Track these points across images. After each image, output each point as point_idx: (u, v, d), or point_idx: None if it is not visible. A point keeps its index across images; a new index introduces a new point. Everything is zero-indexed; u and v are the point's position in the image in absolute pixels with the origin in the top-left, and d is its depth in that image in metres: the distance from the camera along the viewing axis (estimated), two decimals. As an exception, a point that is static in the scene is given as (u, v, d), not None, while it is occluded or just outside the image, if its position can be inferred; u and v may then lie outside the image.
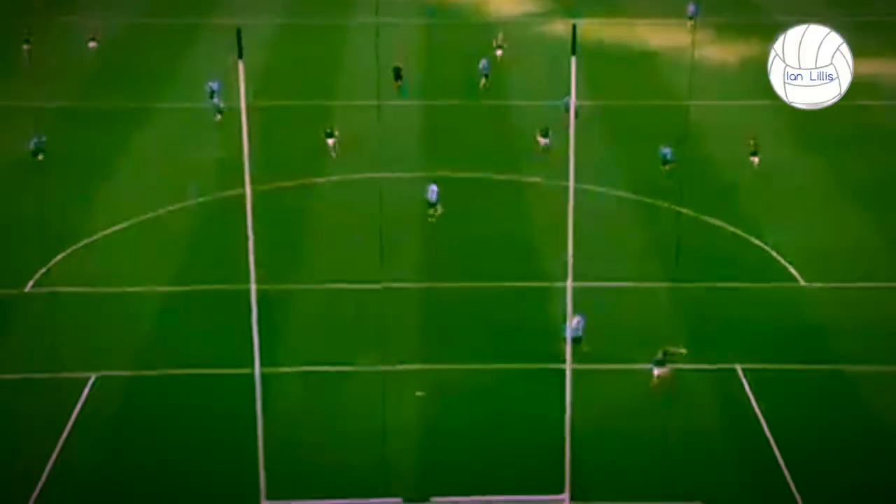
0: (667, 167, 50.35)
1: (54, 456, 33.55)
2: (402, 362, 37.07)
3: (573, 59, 25.67)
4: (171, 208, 49.41)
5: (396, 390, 35.54)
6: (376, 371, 36.23)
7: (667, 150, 50.99)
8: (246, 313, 26.86)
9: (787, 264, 44.65)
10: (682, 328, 39.45)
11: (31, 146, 52.33)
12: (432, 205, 47.35)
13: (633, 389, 36.89)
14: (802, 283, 43.80)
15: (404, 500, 28.12)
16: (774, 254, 45.32)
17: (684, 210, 46.35)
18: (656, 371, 35.99)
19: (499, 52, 66.29)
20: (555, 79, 55.27)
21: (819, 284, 43.63)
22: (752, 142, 51.64)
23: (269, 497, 27.23)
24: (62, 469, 32.61)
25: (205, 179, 51.52)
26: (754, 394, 36.63)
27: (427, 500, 28.52)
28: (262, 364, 26.81)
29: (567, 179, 27.06)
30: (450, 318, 41.42)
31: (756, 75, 50.04)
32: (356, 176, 51.19)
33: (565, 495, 27.54)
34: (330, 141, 53.30)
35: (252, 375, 26.75)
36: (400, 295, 41.54)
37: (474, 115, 59.80)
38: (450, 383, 37.39)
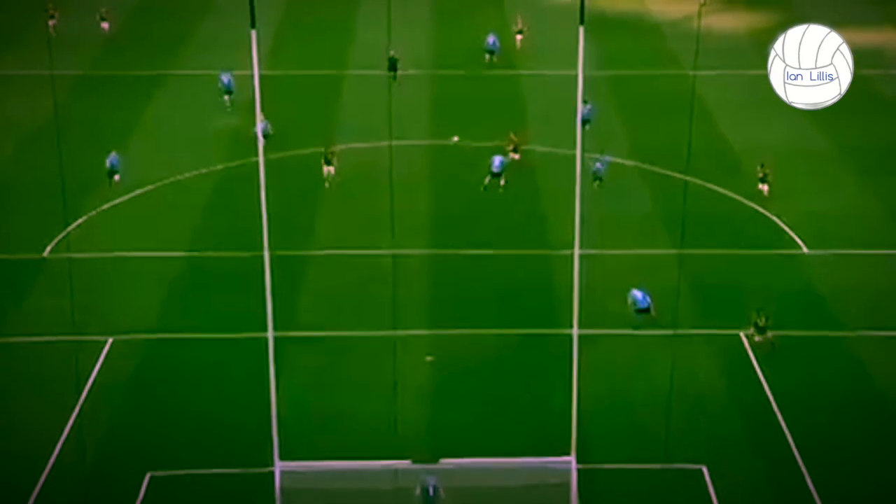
0: (596, 184, 46.37)
1: (72, 418, 33.61)
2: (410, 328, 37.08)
3: (581, 30, 25.46)
4: (185, 176, 49.33)
5: (406, 355, 35.52)
6: (387, 336, 36.19)
7: (599, 165, 46.93)
8: (259, 279, 26.79)
9: (790, 232, 44.47)
10: (686, 295, 39.27)
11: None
12: (496, 175, 46.67)
13: (637, 355, 36.82)
14: (806, 250, 43.62)
15: (414, 462, 28.10)
16: (778, 221, 45.13)
17: (690, 178, 46.18)
18: (758, 338, 35.81)
19: (518, 38, 63.70)
20: (563, 50, 54.95)
21: (822, 252, 43.46)
22: (759, 168, 46.82)
23: (282, 458, 27.23)
24: (80, 431, 32.66)
25: (219, 147, 51.41)
26: (757, 359, 36.53)
27: (436, 461, 28.51)
28: (276, 328, 26.75)
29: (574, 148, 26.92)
30: (459, 284, 41.33)
31: (764, 45, 50.07)
32: (367, 144, 50.98)
33: (572, 458, 27.51)
34: (326, 168, 47.67)
35: (265, 340, 26.70)
36: (409, 262, 41.47)
37: (483, 86, 59.52)
38: (459, 348, 37.34)
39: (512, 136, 48.49)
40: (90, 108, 55.91)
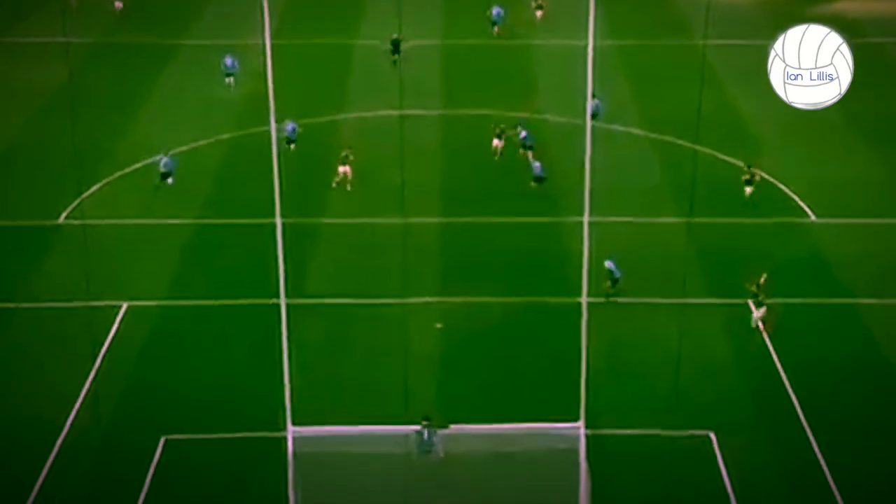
0: (533, 184, 45.20)
1: (88, 383, 33.73)
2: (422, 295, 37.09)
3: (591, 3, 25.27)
4: (198, 143, 49.30)
5: (417, 322, 35.53)
6: (396, 304, 36.20)
7: (537, 165, 45.55)
8: (272, 246, 26.75)
9: (798, 200, 44.34)
10: (694, 263, 39.23)
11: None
12: (527, 147, 46.22)
13: (646, 322, 36.80)
14: (813, 218, 43.48)
15: (423, 427, 28.16)
16: (786, 189, 44.98)
17: (699, 147, 46.02)
18: (756, 314, 35.53)
19: (539, 13, 63.60)
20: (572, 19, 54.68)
21: (830, 220, 43.32)
22: (746, 168, 44.51)
23: (294, 423, 27.30)
24: (95, 395, 32.79)
25: (232, 115, 51.34)
26: (767, 327, 36.46)
27: (446, 426, 28.55)
28: (287, 296, 26.74)
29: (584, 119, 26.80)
30: (469, 252, 41.30)
31: (773, 14, 49.95)
32: (377, 113, 50.88)
33: (580, 424, 27.51)
34: (342, 168, 44.94)
35: (277, 306, 26.71)
36: (420, 230, 41.43)
37: (492, 55, 59.30)
38: (468, 316, 37.34)
39: (501, 126, 47.37)
40: (104, 76, 55.84)
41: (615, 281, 37.40)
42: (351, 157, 44.93)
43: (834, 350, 35.77)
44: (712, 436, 31.59)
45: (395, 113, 46.89)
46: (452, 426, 28.29)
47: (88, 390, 33.34)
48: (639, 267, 39.63)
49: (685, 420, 31.61)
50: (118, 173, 46.58)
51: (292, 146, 46.67)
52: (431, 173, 45.89)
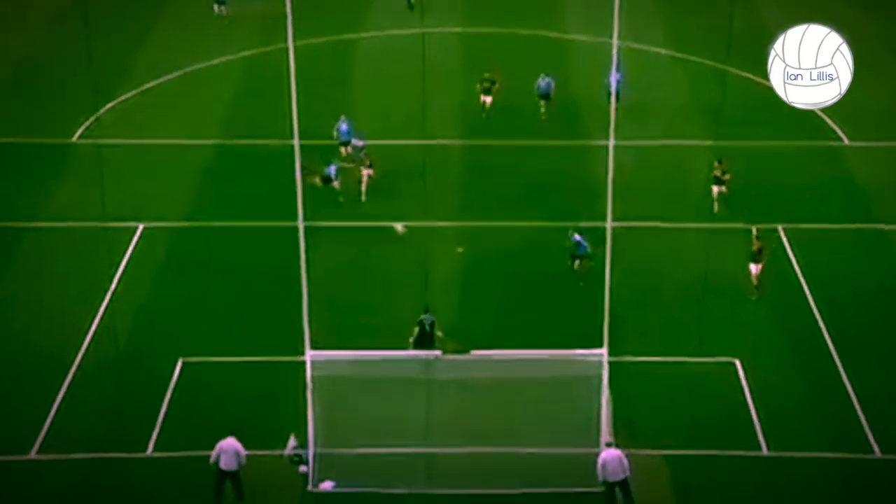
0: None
1: (104, 305, 33.94)
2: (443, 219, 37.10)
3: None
4: (215, 62, 49.10)
5: (438, 246, 35.54)
6: (418, 227, 36.17)
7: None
8: (290, 167, 26.73)
9: (831, 122, 43.97)
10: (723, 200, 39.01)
11: None
12: (544, 96, 45.52)
13: (671, 248, 36.71)
14: (846, 141, 43.16)
15: (444, 353, 28.30)
16: (818, 111, 44.61)
17: (728, 68, 45.57)
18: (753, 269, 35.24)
19: None
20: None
21: (862, 143, 42.99)
22: (717, 164, 38.30)
23: (314, 347, 27.48)
24: (112, 317, 33.03)
25: (249, 33, 51.07)
26: (795, 254, 36.39)
27: (467, 352, 28.71)
28: (307, 218, 26.78)
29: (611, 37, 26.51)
30: (491, 175, 41.19)
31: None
32: (398, 32, 50.52)
33: (603, 350, 27.61)
34: (366, 172, 39.62)
35: (296, 229, 26.76)
36: (441, 152, 41.30)
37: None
38: (490, 240, 37.34)
39: (486, 75, 45.18)
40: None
41: (580, 257, 34.52)
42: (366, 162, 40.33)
43: (863, 276, 35.63)
44: (738, 363, 31.64)
45: (416, 31, 46.52)
46: (473, 352, 28.44)
47: (104, 312, 33.56)
48: (664, 191, 39.51)
49: (710, 347, 31.66)
50: (133, 91, 46.49)
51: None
52: (452, 94, 45.53)
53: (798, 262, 36.00)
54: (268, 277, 35.04)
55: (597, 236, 31.94)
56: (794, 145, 42.72)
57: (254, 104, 45.52)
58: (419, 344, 30.26)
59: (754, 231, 34.66)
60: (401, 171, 39.75)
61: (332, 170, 38.79)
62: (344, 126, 41.34)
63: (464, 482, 27.33)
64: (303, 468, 27.55)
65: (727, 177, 38.01)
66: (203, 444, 27.50)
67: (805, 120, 43.66)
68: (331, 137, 41.17)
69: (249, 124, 44.15)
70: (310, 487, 27.31)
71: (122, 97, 45.95)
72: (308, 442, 27.67)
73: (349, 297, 34.43)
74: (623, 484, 26.56)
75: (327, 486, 27.37)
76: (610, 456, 26.41)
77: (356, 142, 40.72)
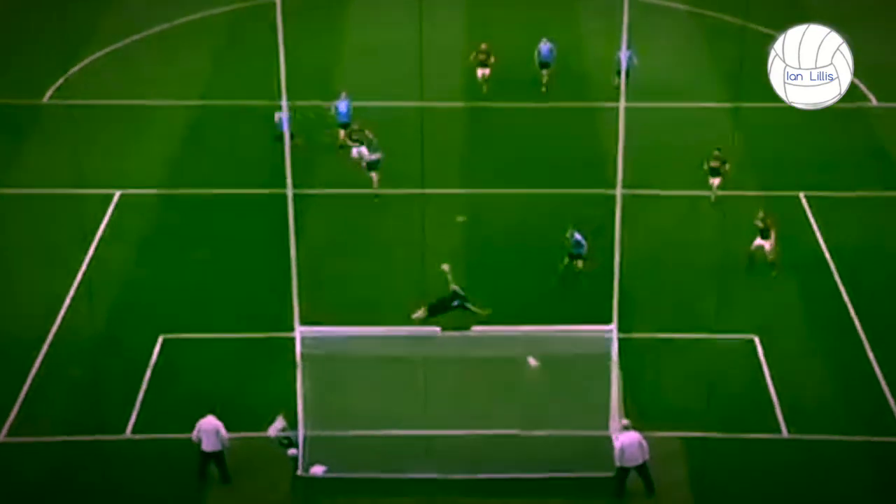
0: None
1: (79, 276, 34.14)
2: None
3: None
4: (196, 16, 49.13)
5: (436, 215, 35.76)
6: (415, 195, 36.26)
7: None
8: (277, 131, 26.86)
9: (858, 82, 44.08)
10: (741, 152, 39.18)
11: None
12: (545, 64, 45.54)
13: (686, 217, 36.92)
14: (874, 102, 43.29)
15: (444, 330, 28.50)
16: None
17: (750, 25, 45.61)
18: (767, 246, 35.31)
19: None
20: None
21: (892, 104, 43.12)
22: (716, 153, 37.43)
23: (303, 323, 27.67)
24: (88, 289, 33.22)
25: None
26: (818, 223, 36.59)
27: (468, 328, 28.91)
28: (295, 185, 26.90)
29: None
30: (494, 140, 41.33)
31: None
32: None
33: (613, 327, 27.82)
34: (357, 149, 38.44)
35: (284, 196, 26.87)
36: (440, 115, 41.39)
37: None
38: (493, 208, 37.54)
39: (483, 46, 44.87)
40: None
41: (578, 256, 33.72)
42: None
43: (892, 248, 35.81)
44: (756, 340, 31.93)
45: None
46: (475, 328, 28.64)
47: (79, 286, 33.76)
48: (680, 157, 39.67)
49: (727, 323, 31.90)
50: (108, 48, 46.55)
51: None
52: (452, 57, 45.57)
53: (822, 232, 36.21)
54: (254, 248, 35.24)
55: (597, 226, 32.04)
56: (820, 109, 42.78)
57: (237, 63, 45.61)
58: (434, 311, 30.42)
59: (760, 214, 34.47)
60: (396, 133, 39.87)
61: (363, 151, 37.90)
62: (343, 105, 40.15)
63: (464, 466, 27.56)
64: (292, 451, 27.76)
65: (727, 167, 37.11)
66: (185, 426, 27.73)
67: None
68: (323, 97, 41.23)
69: (233, 84, 44.26)
70: (299, 472, 27.53)
71: (94, 55, 45.99)
72: (297, 423, 27.90)
73: (342, 269, 34.64)
74: (642, 469, 26.84)
75: (318, 470, 27.63)
76: (628, 439, 26.62)
77: (368, 154, 37.77)
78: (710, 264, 33.25)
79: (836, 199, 37.70)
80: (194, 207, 37.59)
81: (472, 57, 44.50)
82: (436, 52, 41.87)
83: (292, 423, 27.89)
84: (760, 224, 34.17)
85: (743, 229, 34.93)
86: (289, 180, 26.55)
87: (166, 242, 36.04)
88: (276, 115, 37.70)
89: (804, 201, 37.51)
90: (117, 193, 37.89)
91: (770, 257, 34.26)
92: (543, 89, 43.99)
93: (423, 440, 28.11)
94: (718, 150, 37.13)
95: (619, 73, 39.48)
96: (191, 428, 27.36)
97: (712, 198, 37.21)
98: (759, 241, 34.23)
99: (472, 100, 43.49)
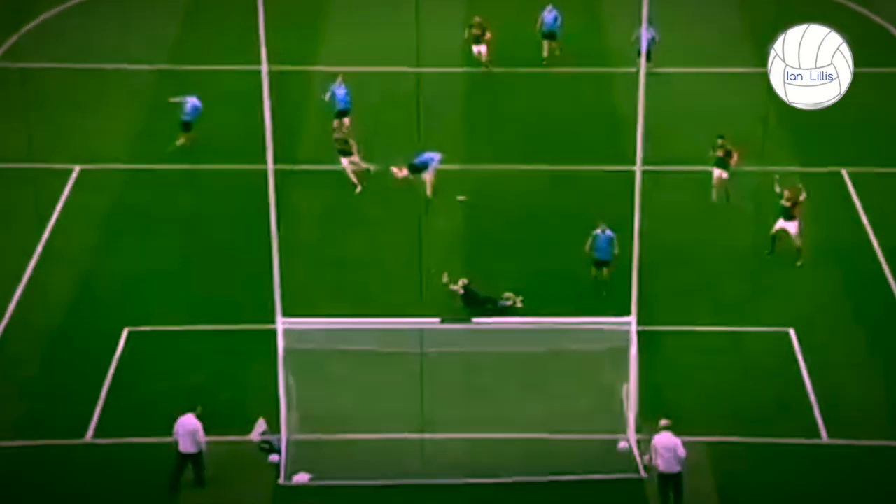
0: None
1: (34, 259, 34.05)
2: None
3: None
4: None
5: (434, 194, 35.65)
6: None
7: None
8: (257, 98, 26.73)
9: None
10: (774, 124, 39.10)
11: None
12: (549, 35, 45.15)
13: (711, 199, 36.79)
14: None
15: (443, 321, 28.47)
16: (893, 29, 44.75)
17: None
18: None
19: None
20: None
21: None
22: (719, 141, 36.12)
23: (286, 314, 27.65)
24: (45, 274, 33.22)
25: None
26: (861, 202, 36.54)
27: (469, 320, 28.90)
28: (277, 160, 26.80)
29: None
30: (499, 109, 41.27)
31: None
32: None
33: (631, 319, 27.80)
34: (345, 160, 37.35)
35: (264, 172, 26.81)
36: (437, 81, 41.30)
37: None
38: (497, 186, 37.46)
39: (476, 20, 44.15)
40: None
41: (604, 263, 32.56)
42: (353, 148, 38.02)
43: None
44: (792, 333, 31.86)
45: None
46: (477, 320, 28.62)
47: (33, 272, 33.66)
48: (708, 128, 39.57)
49: (758, 315, 31.82)
50: (66, 4, 46.44)
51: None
52: (452, 18, 45.47)
53: (866, 212, 36.14)
54: (230, 230, 35.15)
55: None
56: (859, 73, 42.67)
57: (210, 23, 45.50)
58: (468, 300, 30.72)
59: (786, 193, 33.98)
60: (389, 103, 39.87)
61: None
62: (341, 90, 39.28)
63: (463, 472, 27.47)
64: (273, 457, 27.73)
65: (734, 158, 35.85)
66: (152, 428, 27.70)
67: (871, 40, 43.63)
68: (307, 62, 41.16)
69: (205, 47, 44.17)
70: (281, 480, 27.46)
71: (50, 12, 45.87)
72: (280, 427, 27.81)
73: (329, 254, 34.57)
74: (675, 479, 26.53)
75: (302, 478, 27.60)
76: (664, 443, 26.26)
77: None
78: (741, 248, 33.17)
79: (883, 175, 37.64)
80: (163, 185, 37.48)
81: (465, 32, 44.00)
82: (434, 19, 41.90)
83: (274, 427, 27.84)
84: (787, 203, 33.86)
85: (778, 210, 34.86)
86: (269, 153, 26.44)
87: (132, 224, 35.92)
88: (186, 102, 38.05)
89: (846, 178, 37.44)
90: (76, 168, 37.77)
91: (796, 243, 34.00)
92: (544, 62, 43.73)
93: (419, 444, 27.98)
94: (721, 137, 35.80)
95: (640, 53, 39.26)
96: (158, 430, 27.34)
97: (713, 195, 36.20)
98: (781, 223, 33.91)
99: (475, 64, 43.39)
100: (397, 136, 37.77)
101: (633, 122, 26.64)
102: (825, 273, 34.07)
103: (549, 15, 43.95)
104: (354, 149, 36.92)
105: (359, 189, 36.78)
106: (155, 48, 44.21)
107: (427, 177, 35.76)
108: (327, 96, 39.21)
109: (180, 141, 38.28)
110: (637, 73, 26.36)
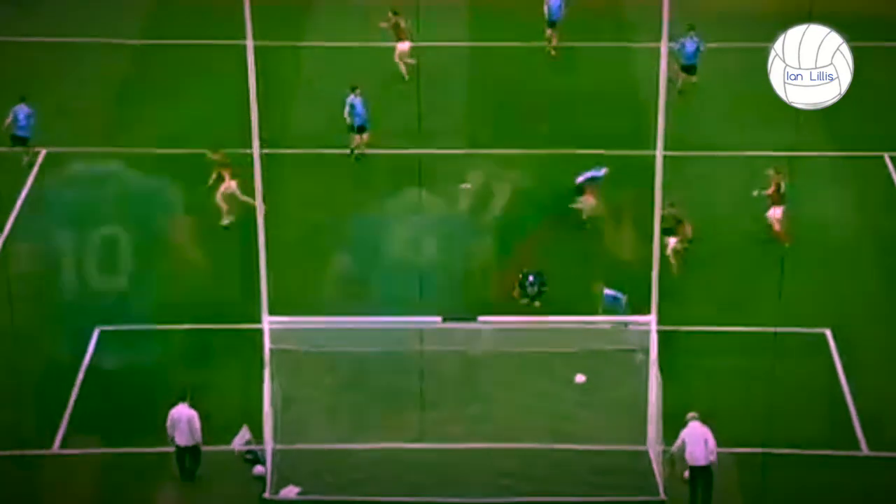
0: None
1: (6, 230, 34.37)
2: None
3: None
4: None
5: (435, 181, 35.69)
6: (409, 155, 36.23)
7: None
8: (241, 75, 26.75)
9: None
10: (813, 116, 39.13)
11: None
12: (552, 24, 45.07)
13: (741, 179, 36.75)
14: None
15: (445, 320, 28.48)
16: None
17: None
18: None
19: None
20: None
21: None
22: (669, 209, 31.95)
23: (272, 313, 27.65)
24: (4, 271, 33.15)
25: None
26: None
27: (473, 319, 28.90)
28: (263, 144, 26.79)
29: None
30: (505, 86, 41.30)
31: None
32: None
33: (651, 318, 27.81)
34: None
35: (250, 157, 26.82)
36: (438, 56, 41.29)
37: None
38: (501, 173, 37.54)
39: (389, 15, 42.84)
40: None
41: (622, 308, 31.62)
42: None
43: None
44: (828, 334, 31.89)
45: None
46: (482, 318, 28.59)
47: (6, 240, 33.91)
48: (732, 110, 39.66)
49: (791, 313, 31.82)
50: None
51: None
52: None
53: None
54: (211, 218, 35.15)
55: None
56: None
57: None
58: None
59: (770, 171, 34.33)
60: (386, 81, 39.88)
61: None
62: (359, 102, 37.87)
63: (466, 488, 27.45)
64: (258, 469, 27.77)
65: (688, 229, 33.95)
66: (124, 439, 27.82)
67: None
68: (294, 38, 41.14)
69: (184, 19, 44.20)
70: (267, 494, 27.45)
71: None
72: (265, 436, 27.75)
73: (320, 246, 34.58)
74: (704, 474, 26.70)
75: (290, 492, 27.65)
76: (693, 433, 26.54)
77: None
78: (769, 241, 33.18)
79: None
80: (137, 170, 37.43)
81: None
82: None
83: (259, 435, 27.85)
84: (770, 188, 34.20)
85: (813, 199, 35.00)
86: (255, 136, 26.45)
87: (103, 213, 35.85)
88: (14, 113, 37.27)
89: (889, 164, 37.44)
90: (42, 152, 37.76)
91: (775, 227, 34.11)
92: (553, 52, 43.68)
93: (417, 454, 28.02)
94: (671, 204, 32.08)
95: (683, 68, 39.30)
96: (132, 440, 27.52)
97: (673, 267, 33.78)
98: (774, 211, 34.22)
99: (480, 38, 43.46)
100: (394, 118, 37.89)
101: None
102: (865, 270, 34.10)
103: (554, 2, 44.09)
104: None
105: None
106: (129, 18, 44.35)
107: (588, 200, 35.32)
108: (346, 111, 37.88)
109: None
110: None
